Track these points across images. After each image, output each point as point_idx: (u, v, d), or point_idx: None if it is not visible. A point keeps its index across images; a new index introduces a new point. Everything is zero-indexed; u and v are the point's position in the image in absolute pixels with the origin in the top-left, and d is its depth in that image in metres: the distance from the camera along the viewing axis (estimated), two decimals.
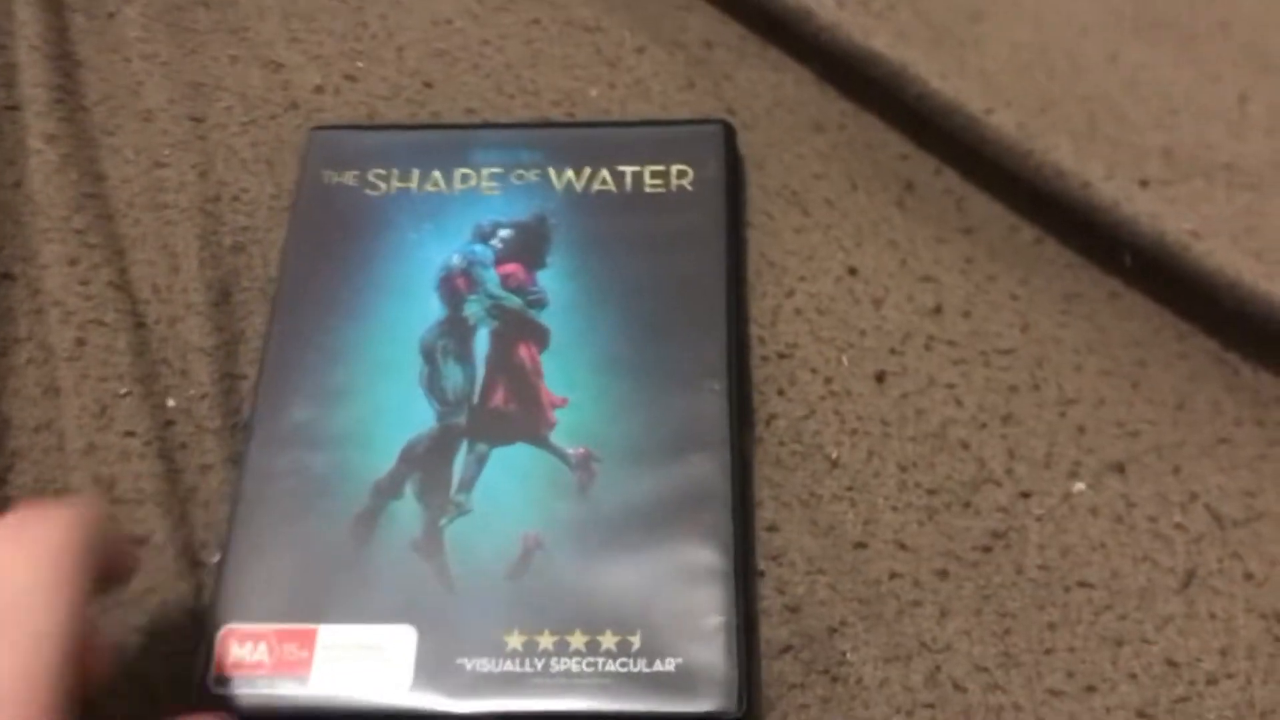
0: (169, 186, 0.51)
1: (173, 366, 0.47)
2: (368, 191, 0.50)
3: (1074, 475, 0.44)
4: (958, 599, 0.42)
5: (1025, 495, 0.44)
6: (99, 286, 0.47)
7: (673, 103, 0.54)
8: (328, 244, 0.48)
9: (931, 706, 0.40)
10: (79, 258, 0.48)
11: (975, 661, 0.41)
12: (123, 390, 0.45)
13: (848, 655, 0.41)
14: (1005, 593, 0.42)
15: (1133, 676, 0.41)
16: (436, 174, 0.50)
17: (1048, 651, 0.41)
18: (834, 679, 0.41)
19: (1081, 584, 0.42)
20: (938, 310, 0.48)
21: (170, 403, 0.46)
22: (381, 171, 0.50)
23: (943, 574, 0.43)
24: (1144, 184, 0.48)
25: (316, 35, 0.56)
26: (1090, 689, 0.41)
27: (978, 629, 0.42)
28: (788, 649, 0.41)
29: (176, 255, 0.49)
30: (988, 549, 0.43)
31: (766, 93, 0.54)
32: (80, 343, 0.46)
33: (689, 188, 0.49)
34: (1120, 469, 0.44)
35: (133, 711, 0.39)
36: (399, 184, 0.50)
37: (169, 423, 0.45)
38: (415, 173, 0.50)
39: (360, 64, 0.55)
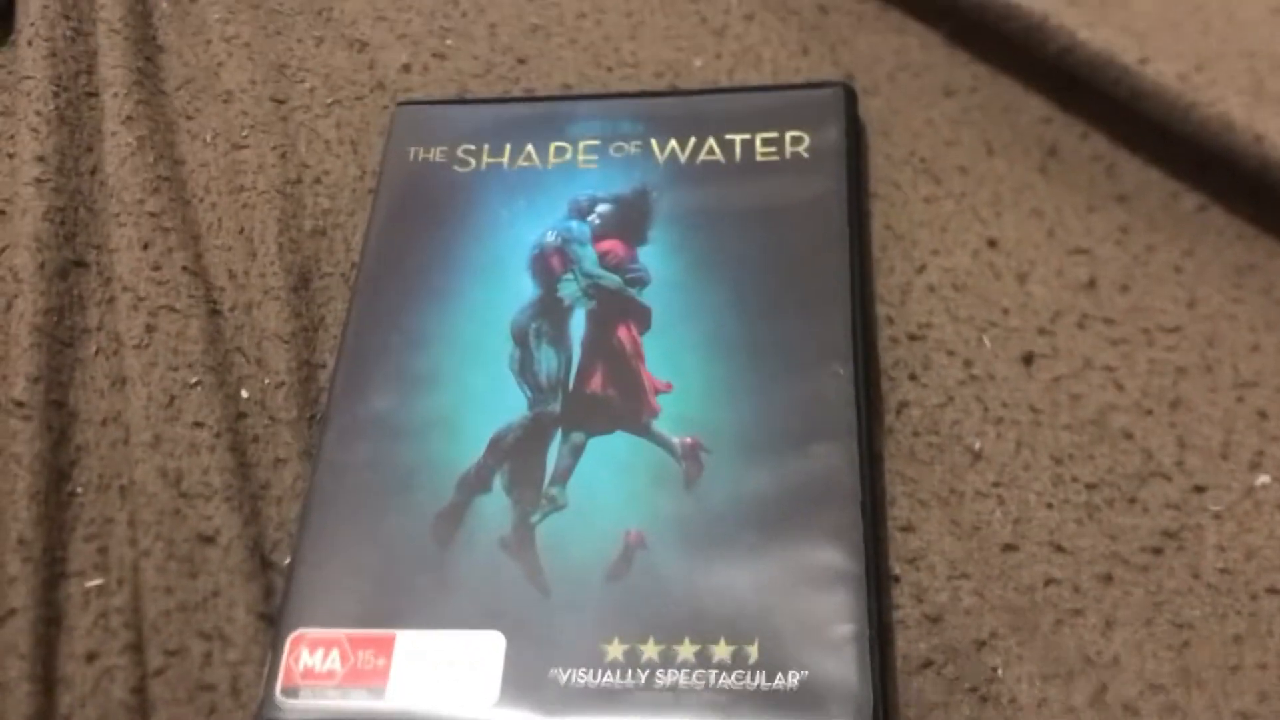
0: (248, 169, 0.48)
1: (247, 355, 0.43)
2: (456, 168, 0.46)
3: (1256, 467, 0.39)
4: (1125, 607, 0.36)
5: (1200, 490, 0.38)
6: (172, 271, 0.44)
7: (785, 71, 0.49)
8: (413, 223, 0.45)
9: None
10: (152, 241, 0.45)
11: (1148, 679, 0.35)
12: (193, 380, 0.42)
13: (998, 672, 0.36)
14: (1180, 600, 0.36)
15: None
16: (530, 148, 0.46)
17: (1234, 668, 0.35)
18: (983, 698, 0.35)
19: (1271, 590, 0.36)
20: (1091, 285, 0.42)
21: (244, 393, 0.42)
22: (471, 147, 0.46)
23: (1107, 579, 0.37)
24: None
25: (404, 13, 0.53)
26: None
27: (1150, 642, 0.36)
28: (928, 664, 0.36)
29: (254, 239, 0.46)
30: (1158, 550, 0.37)
31: (889, 57, 0.49)
32: (150, 330, 0.43)
33: (805, 155, 0.44)
34: None
35: None
36: (490, 160, 0.46)
37: (242, 414, 0.42)
38: (507, 147, 0.46)
39: (449, 41, 0.52)
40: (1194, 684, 0.35)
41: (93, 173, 0.48)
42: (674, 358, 0.41)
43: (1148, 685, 0.35)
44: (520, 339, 0.41)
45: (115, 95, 0.49)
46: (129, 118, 0.48)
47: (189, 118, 0.50)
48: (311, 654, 0.36)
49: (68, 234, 0.46)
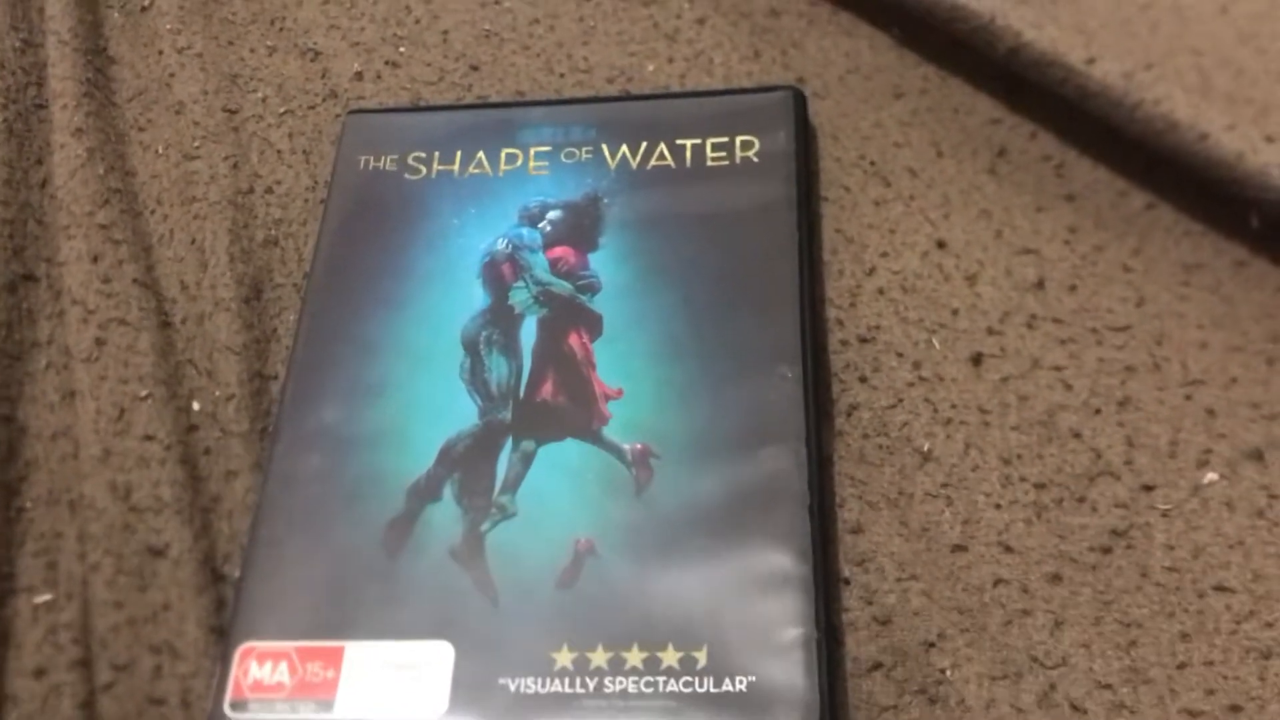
0: (200, 180, 0.48)
1: (199, 367, 0.43)
2: (407, 176, 0.46)
3: (1204, 464, 0.39)
4: (1073, 607, 0.37)
5: (1148, 488, 0.38)
6: (123, 284, 0.44)
7: (737, 75, 0.49)
8: (364, 231, 0.44)
9: None
10: (102, 254, 0.45)
11: (1097, 678, 0.35)
12: (143, 393, 0.42)
13: (947, 673, 0.36)
14: (1129, 599, 0.37)
15: None
16: (481, 155, 0.46)
17: (1181, 666, 0.35)
18: (931, 700, 0.35)
19: (1219, 588, 0.37)
20: (1040, 285, 0.43)
21: (195, 406, 0.42)
22: (422, 154, 0.46)
23: (1055, 579, 0.37)
24: (1270, 139, 0.42)
25: (357, 21, 0.53)
26: (1234, 709, 0.35)
27: (1098, 641, 0.36)
28: (877, 666, 0.36)
29: (205, 250, 0.46)
30: (1107, 550, 0.37)
31: (839, 60, 0.49)
32: (100, 343, 0.43)
33: (755, 160, 0.44)
34: (1258, 456, 0.39)
35: None
36: (440, 167, 0.46)
37: (193, 427, 0.42)
38: (458, 155, 0.46)
39: (402, 49, 0.52)
40: (1141, 682, 0.35)
41: (42, 185, 0.48)
42: (625, 364, 0.41)
43: (1096, 684, 0.35)
44: (471, 347, 0.41)
45: (65, 107, 0.48)
46: (79, 129, 0.48)
47: (140, 129, 0.50)
48: (260, 666, 0.36)
49: (17, 247, 0.45)
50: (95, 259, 0.45)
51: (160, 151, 0.49)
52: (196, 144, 0.49)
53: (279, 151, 0.49)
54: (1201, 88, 0.44)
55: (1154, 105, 0.42)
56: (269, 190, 0.48)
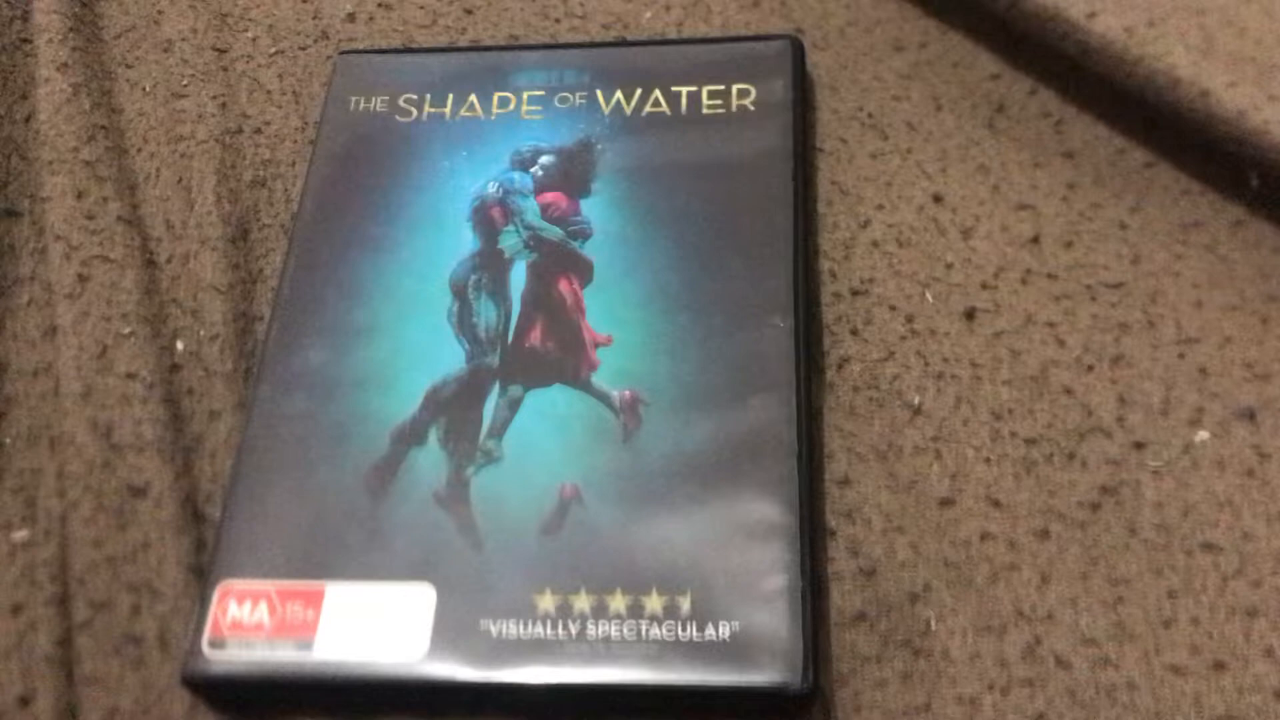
0: (187, 119, 0.47)
1: (183, 306, 0.43)
2: (398, 118, 0.45)
3: (1196, 423, 0.38)
4: (1061, 563, 0.36)
5: (1139, 446, 0.38)
6: (106, 221, 0.44)
7: (734, 24, 0.49)
8: (352, 173, 0.44)
9: (1030, 684, 0.34)
10: (86, 190, 0.44)
11: (1082, 633, 0.35)
12: (126, 330, 0.41)
13: (932, 625, 0.36)
14: (1116, 556, 0.36)
15: (1268, 653, 0.35)
16: (473, 98, 0.45)
17: (1167, 623, 0.35)
18: (915, 652, 0.35)
19: (1206, 546, 0.36)
20: (1035, 241, 0.42)
21: (179, 345, 0.42)
22: (413, 96, 0.46)
23: (1043, 534, 0.37)
24: (1273, 98, 0.42)
25: None
26: (1218, 666, 0.34)
27: (1084, 597, 0.36)
28: (861, 617, 0.36)
29: (192, 190, 0.45)
30: (1096, 506, 0.37)
31: (839, 12, 0.49)
32: (83, 279, 0.42)
33: (751, 109, 0.44)
34: (1250, 416, 0.38)
35: (121, 673, 0.35)
36: (431, 109, 0.45)
37: (176, 366, 0.41)
38: (450, 97, 0.45)
39: None
40: (1127, 638, 0.35)
41: (26, 120, 0.47)
42: (615, 311, 0.40)
43: (1081, 639, 0.35)
44: (459, 291, 0.41)
45: (50, 41, 0.48)
46: (64, 64, 0.47)
47: (128, 66, 0.49)
48: (239, 605, 0.35)
49: (0, 182, 0.45)
50: (79, 195, 0.44)
51: (147, 89, 0.48)
52: (185, 83, 0.48)
53: (268, 92, 0.48)
54: (1204, 45, 0.44)
55: (1155, 61, 0.42)
56: (258, 131, 0.47)
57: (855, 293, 0.42)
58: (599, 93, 0.45)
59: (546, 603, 0.35)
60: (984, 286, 0.41)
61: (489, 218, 0.42)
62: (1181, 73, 0.41)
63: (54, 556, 0.38)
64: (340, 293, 0.41)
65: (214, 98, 0.48)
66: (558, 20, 0.49)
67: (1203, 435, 0.38)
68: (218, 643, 0.35)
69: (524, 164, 0.44)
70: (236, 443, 0.39)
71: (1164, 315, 0.40)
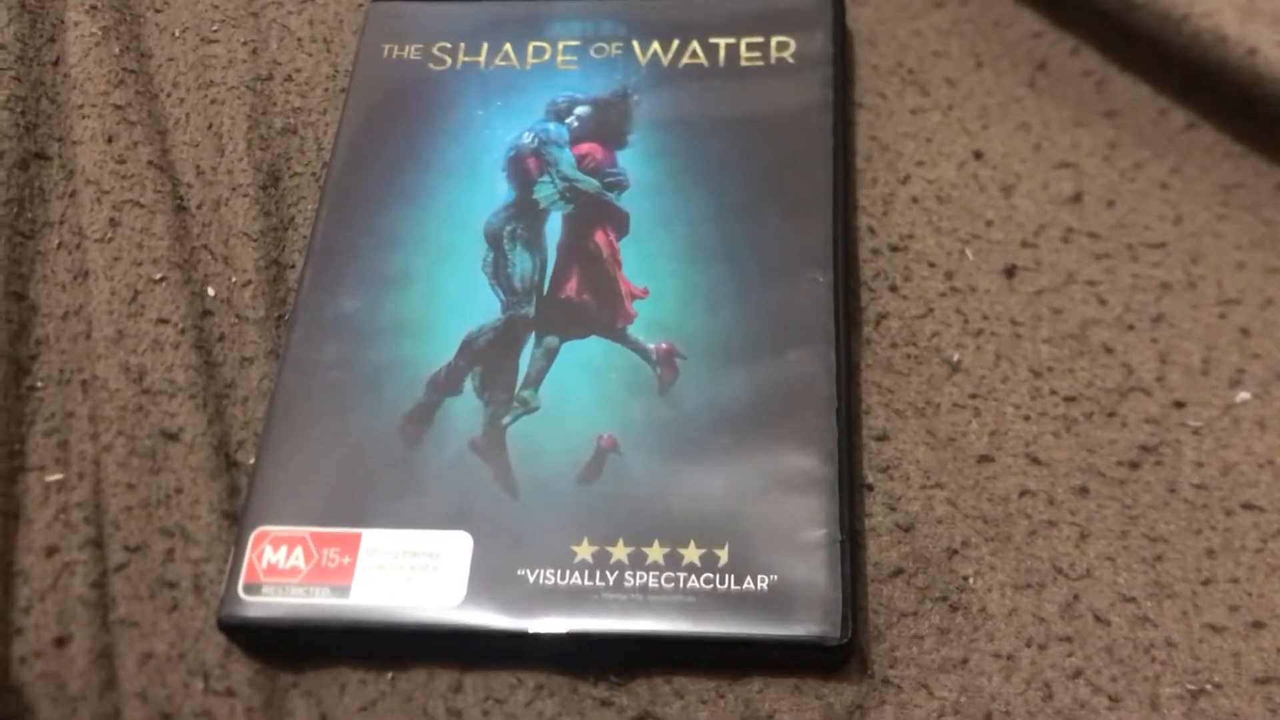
0: (217, 64, 0.47)
1: (214, 253, 0.42)
2: (432, 66, 0.45)
3: (1236, 383, 0.38)
4: (1100, 520, 0.36)
5: (1179, 405, 0.38)
6: (137, 165, 0.43)
7: None
8: (386, 122, 0.43)
9: (1068, 640, 0.34)
10: (116, 135, 0.44)
11: (1121, 591, 0.35)
12: (158, 275, 0.41)
13: (970, 581, 0.35)
14: (1156, 514, 0.36)
15: None
16: (508, 47, 0.45)
17: (1206, 582, 0.35)
18: (953, 607, 0.35)
19: (1246, 506, 0.36)
20: (1077, 199, 0.42)
21: (210, 291, 0.41)
22: (447, 45, 0.45)
23: (1082, 491, 0.37)
24: None
25: None
26: (1257, 625, 0.34)
27: (1123, 555, 0.36)
28: (899, 572, 0.36)
29: (222, 136, 0.45)
30: (1135, 465, 0.37)
31: None
32: (114, 224, 0.42)
33: (791, 61, 0.43)
34: None
35: (156, 617, 0.35)
36: (466, 58, 0.45)
37: (207, 312, 0.41)
38: (484, 46, 0.45)
39: None
40: (1165, 596, 0.35)
41: (55, 63, 0.46)
42: (651, 263, 0.40)
43: (1120, 596, 0.35)
44: (494, 241, 0.41)
45: None
46: (93, 7, 0.47)
47: (158, 10, 0.49)
48: (275, 551, 0.35)
49: (28, 125, 0.44)
50: (110, 139, 0.44)
51: (177, 34, 0.48)
52: (215, 28, 0.48)
53: (299, 39, 0.48)
54: (1249, 3, 0.43)
55: (1202, 19, 0.41)
56: (288, 78, 0.47)
57: (894, 249, 0.41)
58: (635, 43, 0.44)
59: (584, 551, 0.34)
60: (1024, 244, 0.41)
61: (524, 168, 0.42)
62: (1228, 30, 0.41)
63: (88, 499, 0.37)
64: (374, 241, 0.41)
65: (244, 43, 0.47)
66: None
67: (1244, 395, 0.38)
68: (253, 588, 0.35)
69: (560, 114, 0.43)
70: (269, 389, 0.39)
71: (1205, 276, 0.40)
